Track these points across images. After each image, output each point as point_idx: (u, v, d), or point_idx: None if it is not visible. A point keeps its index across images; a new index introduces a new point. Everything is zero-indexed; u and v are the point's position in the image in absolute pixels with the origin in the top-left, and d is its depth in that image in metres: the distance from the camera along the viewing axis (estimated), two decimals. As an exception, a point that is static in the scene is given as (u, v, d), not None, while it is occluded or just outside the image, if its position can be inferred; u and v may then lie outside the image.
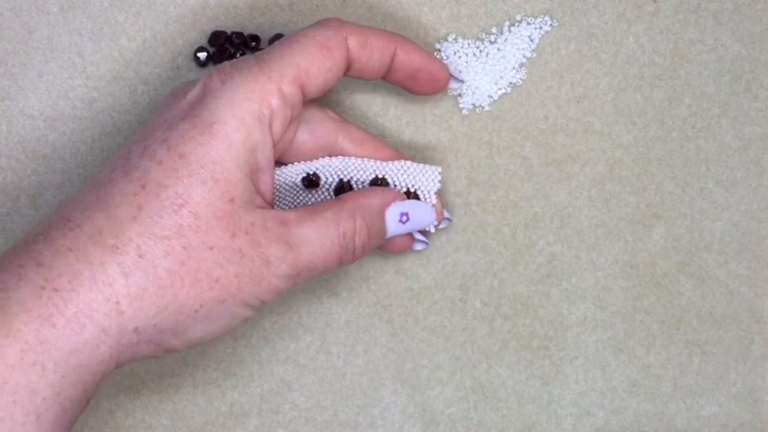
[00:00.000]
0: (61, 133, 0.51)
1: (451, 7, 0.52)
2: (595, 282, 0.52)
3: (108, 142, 0.51)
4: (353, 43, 0.45)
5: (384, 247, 0.49)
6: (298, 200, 0.48)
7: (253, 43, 0.51)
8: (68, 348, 0.38)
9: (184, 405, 0.51)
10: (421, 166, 0.48)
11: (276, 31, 0.52)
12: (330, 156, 0.48)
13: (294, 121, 0.45)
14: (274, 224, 0.43)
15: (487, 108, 0.52)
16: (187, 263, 0.40)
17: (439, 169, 0.48)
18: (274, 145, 0.44)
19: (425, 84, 0.49)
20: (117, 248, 0.40)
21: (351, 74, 0.47)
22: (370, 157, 0.48)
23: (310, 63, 0.44)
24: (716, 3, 0.53)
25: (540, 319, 0.52)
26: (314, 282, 0.52)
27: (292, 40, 0.44)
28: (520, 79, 0.52)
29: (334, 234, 0.44)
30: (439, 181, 0.48)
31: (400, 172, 0.48)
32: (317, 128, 0.47)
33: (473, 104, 0.52)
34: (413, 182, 0.48)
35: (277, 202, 0.48)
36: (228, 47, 0.51)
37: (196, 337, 0.42)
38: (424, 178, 0.48)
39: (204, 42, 0.52)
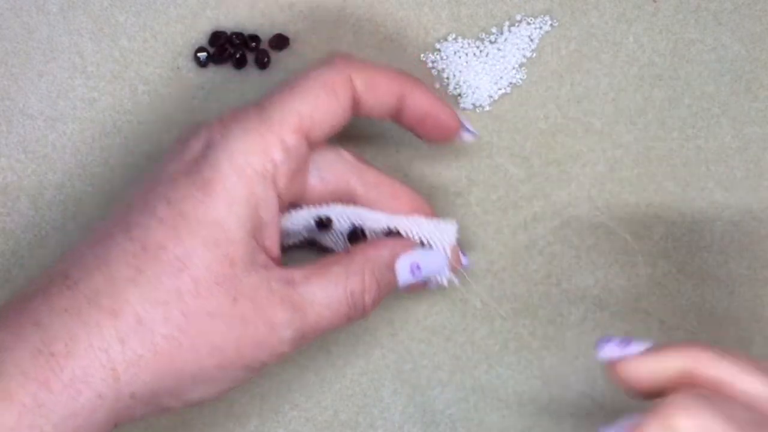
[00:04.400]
0: (61, 133, 0.51)
1: (451, 7, 0.52)
2: (595, 282, 0.52)
3: (108, 142, 0.51)
4: (359, 83, 0.43)
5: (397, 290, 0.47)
6: (310, 235, 0.47)
7: (254, 44, 0.51)
8: (65, 412, 0.38)
9: (184, 405, 0.51)
10: (436, 221, 0.46)
11: (276, 31, 0.52)
12: (343, 202, 0.46)
13: (301, 170, 0.43)
14: (279, 285, 0.41)
15: (487, 108, 0.52)
16: (186, 330, 0.39)
17: (456, 226, 0.46)
18: (280, 198, 0.42)
19: (433, 130, 0.46)
20: (114, 312, 0.39)
21: (358, 114, 0.45)
22: (384, 201, 0.46)
23: (314, 108, 0.42)
24: (716, 3, 0.53)
25: (540, 319, 0.52)
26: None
27: (294, 85, 0.43)
28: (520, 79, 0.52)
29: (342, 293, 0.42)
30: (455, 236, 0.46)
31: (415, 227, 0.46)
32: (328, 173, 0.45)
33: (473, 104, 0.52)
34: (428, 236, 0.46)
35: (289, 238, 0.47)
36: (228, 47, 0.51)
37: (195, 398, 0.41)
38: (439, 233, 0.46)
39: (204, 42, 0.52)
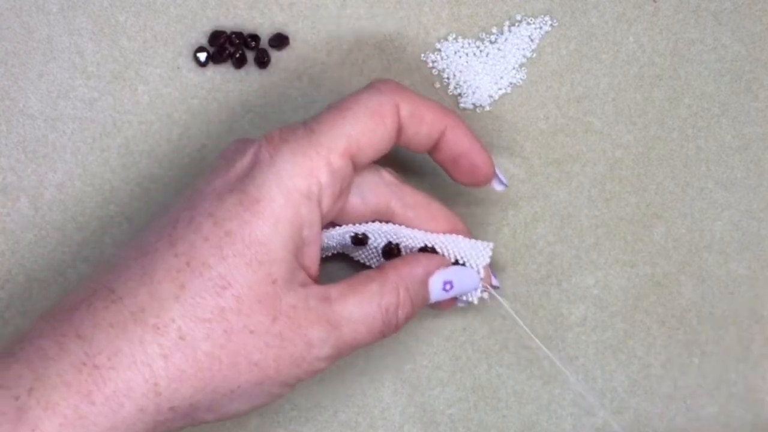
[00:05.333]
0: (61, 133, 0.51)
1: (451, 7, 0.52)
2: (595, 282, 0.52)
3: (108, 142, 0.51)
4: (404, 111, 0.44)
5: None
6: (345, 249, 0.47)
7: (253, 43, 0.51)
8: (106, 425, 0.38)
9: (184, 405, 0.51)
10: (472, 241, 0.46)
11: (276, 31, 0.52)
12: (380, 221, 0.46)
13: (345, 191, 0.44)
14: (316, 302, 0.41)
15: (487, 108, 0.52)
16: (227, 346, 0.40)
17: (491, 245, 0.46)
18: (323, 218, 0.43)
19: (466, 172, 0.46)
20: (158, 328, 0.39)
21: (398, 143, 0.45)
22: (421, 223, 0.46)
23: (361, 133, 0.42)
24: (716, 3, 0.53)
25: (540, 319, 0.52)
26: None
27: (343, 108, 0.43)
28: (521, 79, 0.52)
29: (377, 310, 0.43)
30: (489, 257, 0.46)
31: (450, 245, 0.46)
32: (369, 193, 0.46)
33: (473, 104, 0.52)
34: (462, 255, 0.46)
35: (324, 251, 0.47)
36: (228, 47, 0.51)
37: (231, 413, 0.42)
38: (474, 252, 0.46)
39: (204, 42, 0.52)
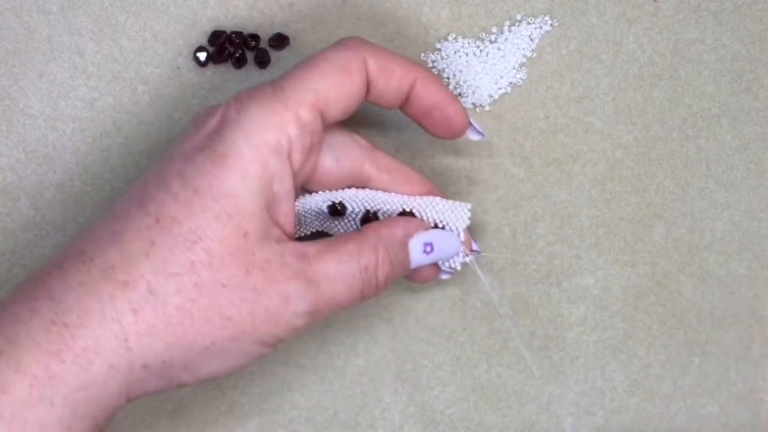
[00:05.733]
0: (61, 133, 0.51)
1: (451, 7, 0.52)
2: (595, 282, 0.52)
3: (108, 142, 0.51)
4: (372, 65, 0.44)
5: (409, 277, 0.47)
6: (324, 226, 0.47)
7: (253, 43, 0.51)
8: (77, 383, 0.38)
9: (184, 405, 0.51)
10: (450, 202, 0.46)
11: (276, 31, 0.52)
12: (357, 187, 0.47)
13: (315, 148, 0.44)
14: (292, 259, 0.41)
15: (487, 108, 0.52)
16: (198, 300, 0.40)
17: (469, 206, 0.46)
18: (295, 175, 0.43)
19: (440, 124, 0.46)
20: (128, 284, 0.39)
21: (367, 99, 0.45)
22: (397, 186, 0.46)
23: (329, 87, 0.42)
24: (716, 3, 0.53)
25: (540, 319, 0.52)
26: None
27: (310, 64, 0.43)
28: (521, 78, 0.52)
29: (355, 268, 0.43)
30: (468, 218, 0.46)
31: (429, 208, 0.46)
32: (342, 155, 0.46)
33: (473, 104, 0.52)
34: (441, 218, 0.46)
35: (302, 227, 0.47)
36: (228, 47, 0.51)
37: (209, 373, 0.41)
38: (453, 214, 0.46)
39: (204, 42, 0.52)
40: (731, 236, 0.53)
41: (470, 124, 0.47)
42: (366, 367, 0.52)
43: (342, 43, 0.44)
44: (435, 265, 0.47)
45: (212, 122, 0.42)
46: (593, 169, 0.52)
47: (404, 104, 0.46)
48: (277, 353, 0.51)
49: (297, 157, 0.42)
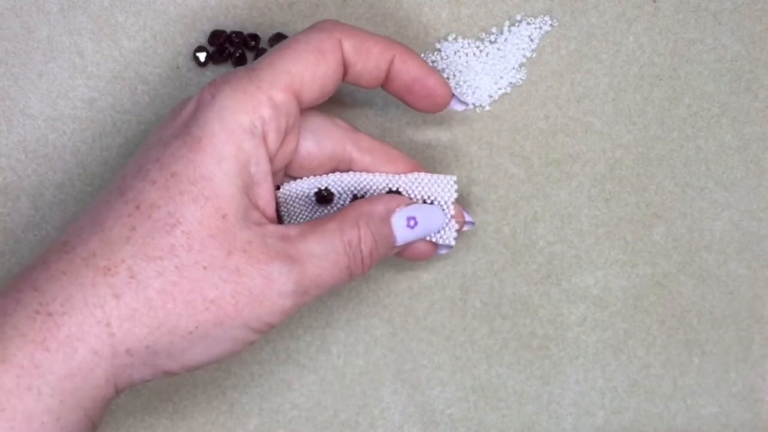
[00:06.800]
0: (61, 133, 0.51)
1: (451, 7, 0.52)
2: (595, 282, 0.52)
3: (108, 142, 0.51)
4: (348, 46, 0.44)
5: (405, 255, 0.47)
6: (312, 215, 0.47)
7: (253, 43, 0.51)
8: (62, 372, 0.38)
9: (184, 405, 0.51)
10: (435, 176, 0.47)
11: (276, 31, 0.52)
12: (341, 170, 0.47)
13: (293, 130, 0.44)
14: (274, 240, 0.41)
15: (487, 108, 0.52)
16: (180, 283, 0.40)
17: (454, 178, 0.47)
18: (272, 158, 0.43)
19: (422, 98, 0.46)
20: (109, 269, 0.39)
21: (347, 80, 0.45)
22: (380, 166, 0.47)
23: (303, 69, 0.43)
24: (716, 3, 0.53)
25: (540, 319, 0.52)
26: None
27: (284, 47, 0.43)
28: (520, 79, 0.52)
29: (339, 244, 0.42)
30: (455, 191, 0.47)
31: (414, 184, 0.47)
32: (323, 138, 0.46)
33: (473, 104, 0.52)
34: (428, 193, 0.46)
35: (290, 218, 0.47)
36: (228, 47, 0.51)
37: (194, 360, 0.41)
38: (439, 188, 0.47)
39: (204, 42, 0.52)
40: (731, 236, 0.53)
41: (453, 95, 0.47)
42: (366, 367, 0.51)
43: (315, 26, 0.44)
44: (431, 243, 0.47)
45: (189, 108, 0.42)
46: (593, 169, 0.52)
47: (385, 82, 0.46)
48: (277, 353, 0.51)
49: (272, 139, 0.42)
